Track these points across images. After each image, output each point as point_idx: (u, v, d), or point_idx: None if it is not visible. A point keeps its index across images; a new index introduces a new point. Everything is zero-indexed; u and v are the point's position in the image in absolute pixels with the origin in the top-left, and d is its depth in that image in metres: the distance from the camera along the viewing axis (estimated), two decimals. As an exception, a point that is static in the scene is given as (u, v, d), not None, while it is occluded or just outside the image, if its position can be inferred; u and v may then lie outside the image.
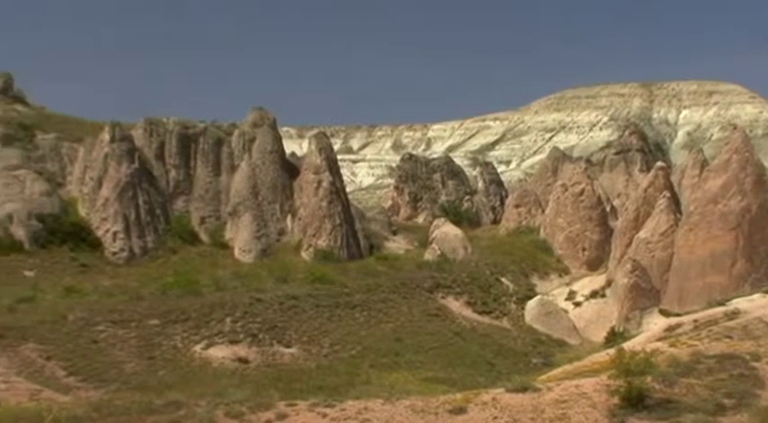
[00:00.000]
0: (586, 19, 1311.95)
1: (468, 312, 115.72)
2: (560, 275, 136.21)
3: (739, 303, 78.21)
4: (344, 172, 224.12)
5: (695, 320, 74.74)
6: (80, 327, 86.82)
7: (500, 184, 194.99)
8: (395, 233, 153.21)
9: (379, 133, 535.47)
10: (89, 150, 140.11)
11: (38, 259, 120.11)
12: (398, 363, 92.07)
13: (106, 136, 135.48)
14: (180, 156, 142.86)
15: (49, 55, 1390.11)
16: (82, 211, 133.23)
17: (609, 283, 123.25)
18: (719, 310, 77.47)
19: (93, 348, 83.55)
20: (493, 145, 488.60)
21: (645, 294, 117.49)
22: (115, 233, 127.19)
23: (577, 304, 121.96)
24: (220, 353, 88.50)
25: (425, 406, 44.82)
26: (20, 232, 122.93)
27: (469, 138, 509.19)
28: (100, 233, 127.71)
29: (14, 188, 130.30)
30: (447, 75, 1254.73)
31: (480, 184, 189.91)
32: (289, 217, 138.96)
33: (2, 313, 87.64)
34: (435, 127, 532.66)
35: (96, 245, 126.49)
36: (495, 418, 42.97)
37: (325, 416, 43.85)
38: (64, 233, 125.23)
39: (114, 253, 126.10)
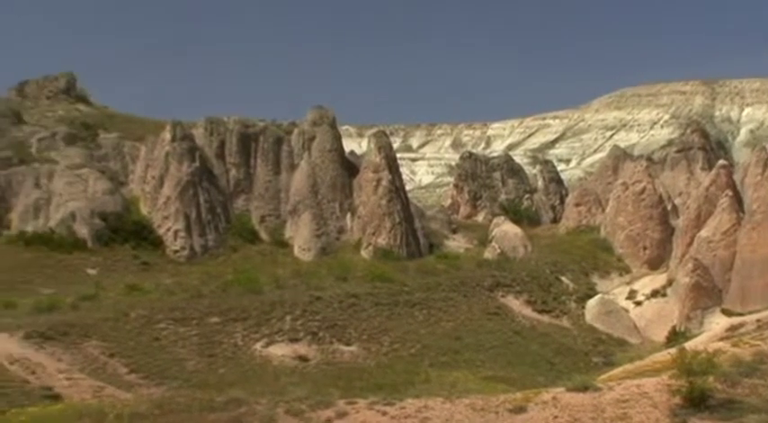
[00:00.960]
0: (647, 17, 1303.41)
1: (527, 311, 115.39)
2: (621, 274, 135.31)
3: (803, 303, 77.41)
4: (404, 170, 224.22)
5: (758, 320, 74.16)
6: (142, 324, 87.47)
7: (560, 182, 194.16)
8: (454, 232, 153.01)
9: (439, 132, 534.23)
10: (151, 149, 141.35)
11: (100, 257, 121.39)
12: (458, 361, 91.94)
13: (167, 135, 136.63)
14: (240, 154, 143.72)
15: (110, 54, 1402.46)
16: (143, 209, 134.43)
17: (670, 283, 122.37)
18: (783, 309, 76.74)
19: (155, 346, 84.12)
20: (553, 143, 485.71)
21: (706, 294, 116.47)
22: (176, 231, 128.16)
23: (638, 303, 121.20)
24: (280, 351, 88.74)
25: (485, 405, 44.66)
26: (83, 231, 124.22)
27: (529, 136, 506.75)
28: (161, 231, 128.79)
29: (78, 187, 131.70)
30: (507, 73, 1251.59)
31: (540, 183, 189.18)
32: (348, 215, 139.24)
33: (65, 311, 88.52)
34: (495, 125, 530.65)
35: (158, 243, 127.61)
36: (556, 417, 42.71)
37: (384, 414, 43.81)
38: (126, 231, 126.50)
39: (175, 251, 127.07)
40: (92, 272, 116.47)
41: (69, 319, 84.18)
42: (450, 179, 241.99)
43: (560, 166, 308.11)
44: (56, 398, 60.38)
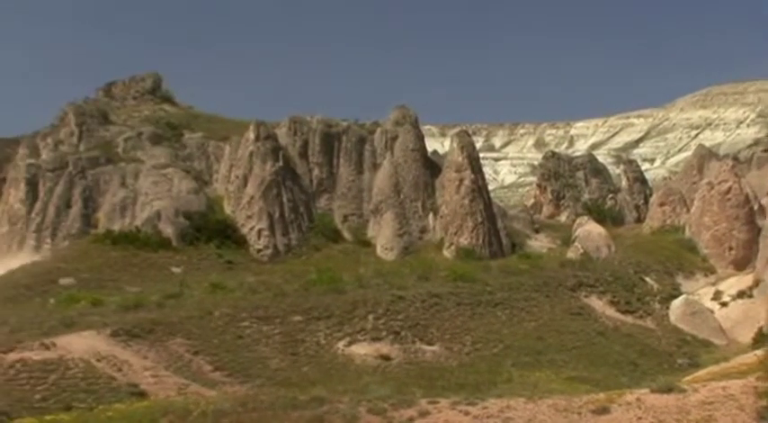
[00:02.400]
0: (733, 13, 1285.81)
1: (611, 311, 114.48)
2: (706, 275, 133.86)
3: None
4: (486, 170, 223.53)
5: None
6: (226, 322, 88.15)
7: (644, 182, 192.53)
8: (537, 231, 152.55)
9: (522, 131, 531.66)
10: (234, 149, 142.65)
11: (185, 256, 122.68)
12: (541, 361, 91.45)
13: (251, 135, 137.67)
14: (323, 154, 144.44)
15: (194, 55, 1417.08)
16: (227, 208, 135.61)
17: (756, 283, 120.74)
18: None
19: (239, 344, 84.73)
20: (637, 142, 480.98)
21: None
22: (260, 231, 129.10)
23: (724, 304, 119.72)
24: (363, 350, 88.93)
25: (568, 405, 44.55)
26: (168, 229, 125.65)
27: (613, 135, 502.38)
28: (245, 231, 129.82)
29: (163, 186, 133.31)
30: (590, 71, 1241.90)
31: (624, 183, 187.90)
32: (430, 215, 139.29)
33: (151, 309, 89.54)
34: (578, 125, 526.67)
35: (241, 242, 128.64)
36: (640, 418, 42.46)
37: (467, 414, 43.85)
38: (210, 230, 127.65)
39: (259, 250, 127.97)
40: (176, 270, 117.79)
41: (155, 317, 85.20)
42: (533, 179, 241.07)
43: (644, 166, 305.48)
44: (141, 395, 61.29)
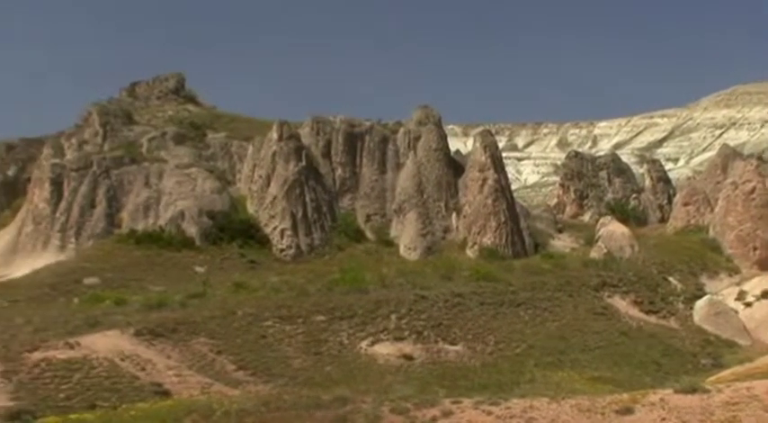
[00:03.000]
0: (757, 13, 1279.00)
1: (634, 311, 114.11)
2: (730, 275, 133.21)
3: None
4: (509, 170, 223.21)
5: None
6: (249, 322, 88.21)
7: (668, 181, 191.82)
8: (560, 231, 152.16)
9: (545, 131, 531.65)
10: (258, 149, 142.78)
11: (208, 256, 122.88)
12: (564, 361, 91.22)
13: (274, 134, 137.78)
14: (346, 154, 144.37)
15: (217, 55, 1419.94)
16: (250, 208, 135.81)
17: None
18: None
19: (262, 343, 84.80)
20: (660, 142, 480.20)
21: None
22: (283, 230, 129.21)
23: (748, 304, 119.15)
24: (385, 349, 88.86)
25: (591, 405, 44.45)
26: (191, 229, 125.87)
27: (636, 135, 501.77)
28: (268, 230, 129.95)
29: (186, 186, 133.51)
30: (614, 71, 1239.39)
31: (647, 182, 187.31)
32: (453, 215, 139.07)
33: (174, 308, 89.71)
34: (601, 124, 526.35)
35: (264, 242, 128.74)
36: (663, 419, 42.32)
37: (490, 414, 43.81)
38: (233, 230, 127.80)
39: (282, 250, 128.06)
40: (200, 270, 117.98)
41: (178, 317, 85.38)
42: (556, 178, 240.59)
43: (668, 166, 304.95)
44: (165, 394, 61.56)
